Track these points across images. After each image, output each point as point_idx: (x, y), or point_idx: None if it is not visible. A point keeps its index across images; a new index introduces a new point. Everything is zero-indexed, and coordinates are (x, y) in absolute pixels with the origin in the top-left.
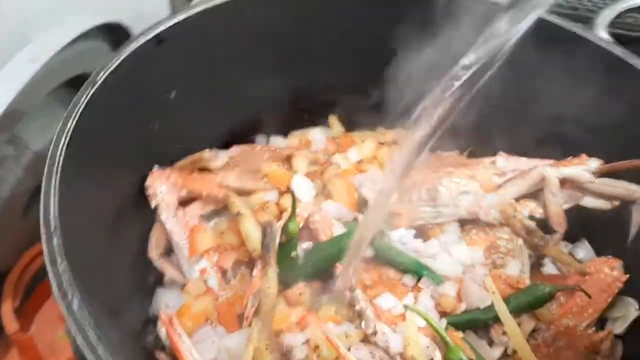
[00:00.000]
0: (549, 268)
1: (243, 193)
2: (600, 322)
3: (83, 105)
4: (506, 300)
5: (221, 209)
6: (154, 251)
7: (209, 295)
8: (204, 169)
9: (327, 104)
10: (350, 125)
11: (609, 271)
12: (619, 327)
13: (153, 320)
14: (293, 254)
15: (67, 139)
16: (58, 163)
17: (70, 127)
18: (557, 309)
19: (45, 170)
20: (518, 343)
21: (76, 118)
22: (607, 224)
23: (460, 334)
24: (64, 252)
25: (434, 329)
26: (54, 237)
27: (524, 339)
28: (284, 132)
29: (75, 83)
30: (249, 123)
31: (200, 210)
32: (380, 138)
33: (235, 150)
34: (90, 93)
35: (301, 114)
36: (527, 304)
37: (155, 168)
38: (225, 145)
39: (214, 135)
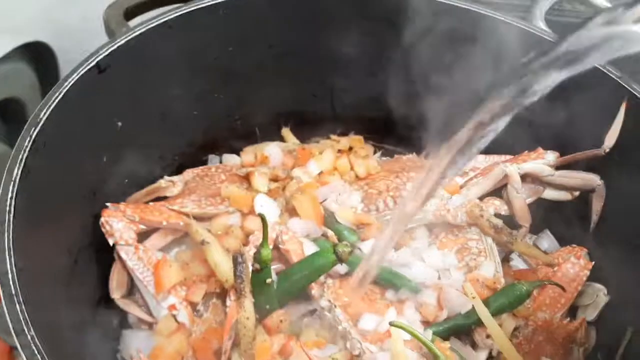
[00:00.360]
0: (516, 262)
1: (204, 219)
2: (572, 311)
3: (27, 149)
4: (486, 302)
5: (181, 237)
6: (116, 292)
7: (181, 333)
8: (158, 198)
9: (278, 117)
10: (303, 135)
11: (576, 260)
12: (591, 314)
13: None
14: (268, 280)
15: (15, 191)
16: (9, 220)
17: (16, 176)
18: (531, 303)
19: None
20: (502, 344)
21: (21, 165)
22: (567, 213)
23: (447, 344)
24: (29, 319)
25: (423, 343)
26: (16, 303)
27: (507, 340)
28: (237, 149)
29: None
30: (199, 144)
31: (161, 242)
32: (336, 146)
33: (189, 174)
34: (34, 135)
35: (252, 129)
36: (507, 304)
37: (109, 205)
38: (178, 170)
39: (165, 161)
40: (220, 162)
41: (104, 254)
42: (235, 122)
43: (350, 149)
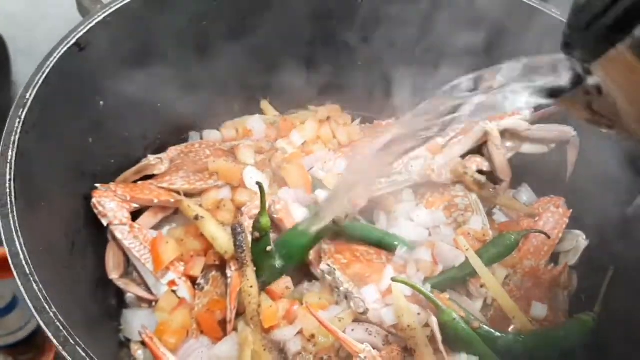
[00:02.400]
0: (499, 216)
1: (193, 194)
2: (554, 258)
3: (19, 131)
4: (478, 254)
5: (170, 215)
6: (114, 272)
7: (183, 308)
8: (144, 177)
9: (255, 90)
10: (281, 107)
11: (555, 209)
12: (572, 259)
13: (125, 344)
14: (268, 248)
15: (13, 173)
16: (11, 202)
17: (11, 158)
18: (516, 253)
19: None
20: (496, 292)
21: (15, 147)
22: (543, 166)
23: (446, 295)
24: (48, 296)
25: (425, 296)
26: (32, 282)
27: (501, 288)
28: (216, 125)
29: None
30: (179, 121)
31: (151, 221)
32: (315, 116)
33: (173, 152)
34: (23, 116)
35: (230, 103)
36: (498, 254)
37: (98, 185)
38: (160, 149)
39: (148, 140)
40: (201, 138)
41: (98, 236)
42: (213, 97)
43: (328, 118)
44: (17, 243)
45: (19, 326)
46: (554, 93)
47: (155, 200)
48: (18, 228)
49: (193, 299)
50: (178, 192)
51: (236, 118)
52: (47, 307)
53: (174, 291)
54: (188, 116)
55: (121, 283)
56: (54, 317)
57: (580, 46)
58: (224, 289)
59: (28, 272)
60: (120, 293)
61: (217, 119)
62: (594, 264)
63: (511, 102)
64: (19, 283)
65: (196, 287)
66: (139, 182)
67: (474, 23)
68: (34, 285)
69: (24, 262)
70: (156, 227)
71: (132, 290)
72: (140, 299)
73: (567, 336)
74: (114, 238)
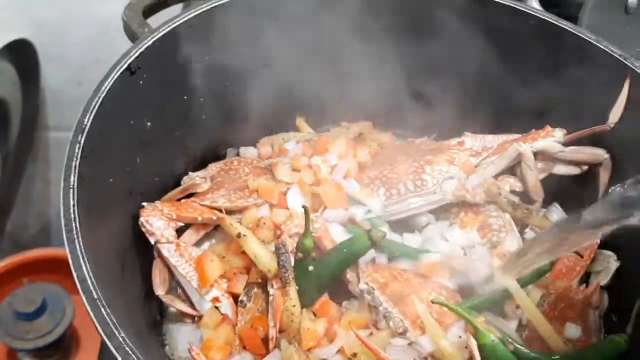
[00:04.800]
0: (529, 235)
1: (233, 212)
2: (584, 277)
3: (79, 157)
4: None
5: (210, 232)
6: (160, 288)
7: (226, 324)
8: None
9: (290, 107)
10: (314, 123)
11: None
12: (604, 279)
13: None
14: (310, 268)
15: (76, 198)
16: (76, 228)
17: (74, 183)
18: (549, 273)
19: (65, 235)
20: (532, 314)
21: (76, 173)
22: (574, 186)
23: (482, 317)
24: (116, 321)
25: (464, 317)
26: (101, 307)
27: (536, 309)
28: (252, 141)
29: None
30: (219, 138)
31: (194, 238)
32: (347, 133)
33: (213, 169)
34: (82, 142)
35: (267, 120)
36: (534, 275)
37: (145, 204)
38: (200, 165)
39: (189, 157)
40: (238, 154)
41: (144, 253)
42: (250, 115)
43: (360, 134)
44: (84, 268)
45: (48, 330)
46: None
47: (199, 218)
48: (84, 252)
49: (235, 315)
50: (219, 210)
51: (271, 135)
52: (116, 331)
53: (216, 307)
54: (226, 133)
55: (167, 299)
56: (122, 342)
57: None
58: (265, 305)
59: (96, 296)
60: (161, 308)
61: (253, 135)
62: (625, 283)
63: None
64: (88, 308)
65: (239, 304)
66: (182, 200)
67: None
68: (102, 309)
69: (91, 287)
70: (197, 243)
71: (178, 306)
72: (183, 314)
73: (601, 357)
74: (160, 255)
